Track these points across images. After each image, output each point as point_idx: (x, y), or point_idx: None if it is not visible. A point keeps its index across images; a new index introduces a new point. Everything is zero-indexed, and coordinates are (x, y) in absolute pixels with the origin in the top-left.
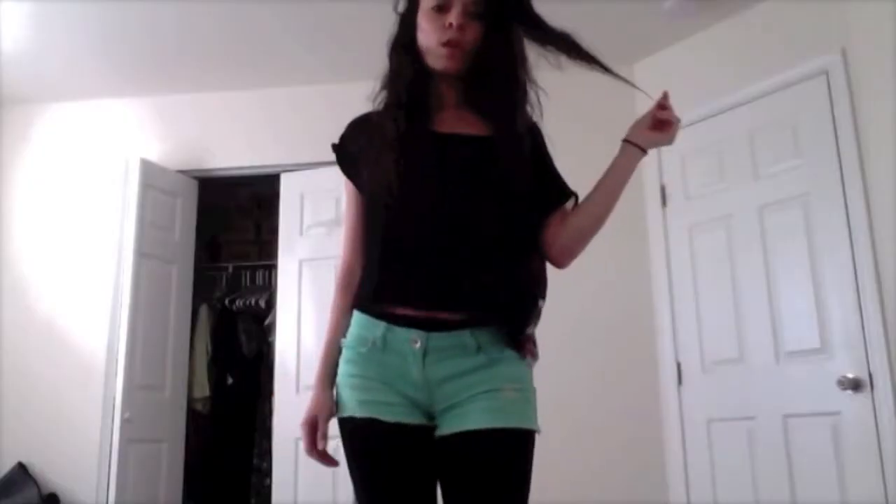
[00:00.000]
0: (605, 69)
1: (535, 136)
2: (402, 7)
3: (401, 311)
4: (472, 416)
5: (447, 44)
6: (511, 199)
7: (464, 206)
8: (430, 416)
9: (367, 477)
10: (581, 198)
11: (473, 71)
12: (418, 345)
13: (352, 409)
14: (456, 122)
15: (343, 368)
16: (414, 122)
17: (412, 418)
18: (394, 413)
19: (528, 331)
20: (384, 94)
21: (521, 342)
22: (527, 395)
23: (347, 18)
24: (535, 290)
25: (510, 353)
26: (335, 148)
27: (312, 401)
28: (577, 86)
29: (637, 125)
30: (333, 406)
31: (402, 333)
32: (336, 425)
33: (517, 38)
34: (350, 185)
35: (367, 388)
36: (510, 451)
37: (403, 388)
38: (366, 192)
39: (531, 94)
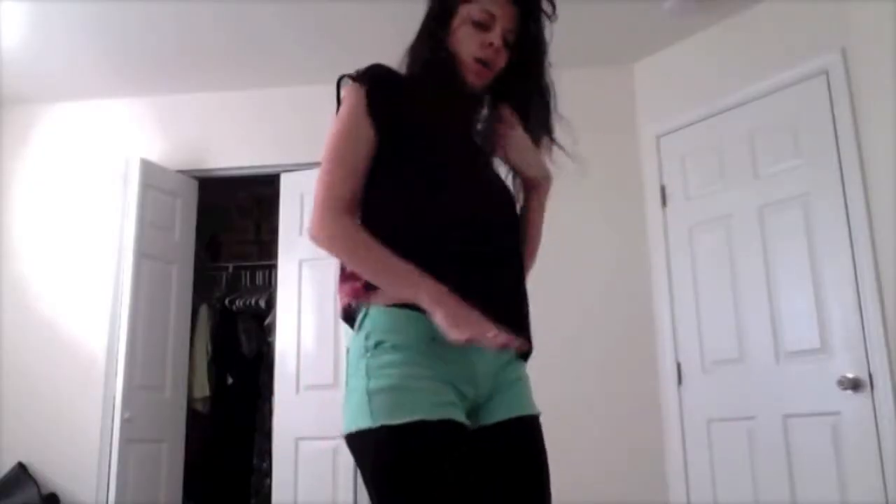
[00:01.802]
0: (552, 140)
1: None
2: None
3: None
4: (515, 403)
5: (481, 61)
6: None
7: (508, 209)
8: (468, 413)
9: (445, 483)
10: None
11: (500, 90)
12: None
13: (423, 411)
14: None
15: (400, 371)
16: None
17: (464, 418)
18: (458, 413)
19: None
20: (429, 73)
21: None
22: (530, 383)
23: (347, 19)
24: None
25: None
26: (371, 81)
27: (433, 287)
28: (577, 84)
29: None
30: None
31: None
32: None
33: (546, 74)
34: (368, 127)
35: (436, 389)
36: (541, 434)
37: (460, 385)
38: (425, 164)
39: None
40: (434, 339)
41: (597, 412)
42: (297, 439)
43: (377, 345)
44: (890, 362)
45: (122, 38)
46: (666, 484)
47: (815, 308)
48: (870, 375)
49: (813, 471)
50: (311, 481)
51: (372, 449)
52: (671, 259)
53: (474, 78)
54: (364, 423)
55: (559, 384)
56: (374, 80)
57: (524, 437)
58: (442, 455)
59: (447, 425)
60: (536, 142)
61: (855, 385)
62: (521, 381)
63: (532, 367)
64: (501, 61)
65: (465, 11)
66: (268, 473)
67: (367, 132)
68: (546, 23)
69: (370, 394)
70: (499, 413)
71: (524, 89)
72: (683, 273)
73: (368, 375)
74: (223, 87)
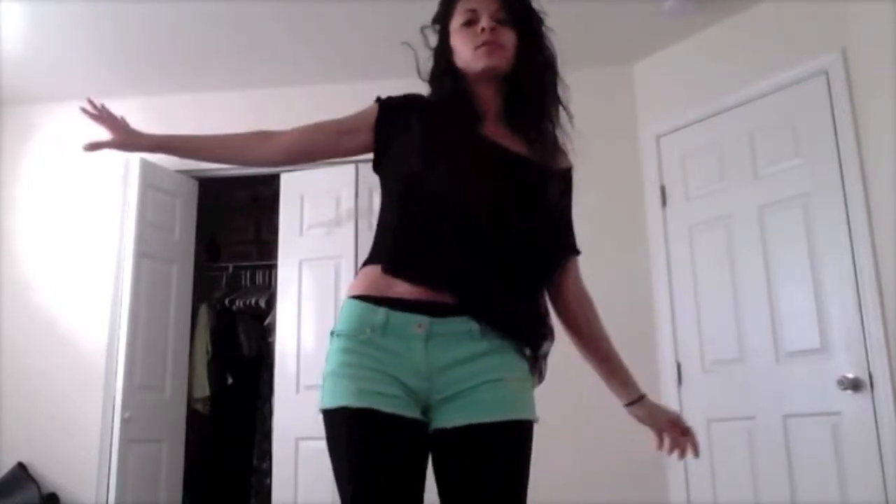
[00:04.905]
0: (564, 107)
1: (567, 180)
2: (433, 42)
3: (404, 294)
4: (479, 407)
5: (483, 45)
6: (542, 224)
7: (505, 215)
8: (425, 409)
9: (358, 469)
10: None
11: (512, 77)
12: (422, 329)
13: (346, 398)
14: (497, 134)
15: (339, 358)
16: (467, 122)
17: (408, 411)
18: (392, 405)
19: (543, 350)
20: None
21: (535, 360)
22: (527, 384)
23: (343, 20)
24: (546, 320)
25: (510, 341)
26: (387, 101)
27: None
28: (578, 85)
29: (660, 414)
30: (136, 142)
31: (404, 318)
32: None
33: (548, 44)
34: (368, 129)
35: (365, 377)
36: (517, 443)
37: (404, 378)
38: (403, 169)
39: (560, 95)
40: (374, 329)
41: (596, 412)
42: (297, 439)
43: (332, 333)
44: (890, 362)
45: (122, 38)
46: (666, 484)
47: (815, 308)
48: (870, 375)
49: (813, 471)
50: (311, 481)
51: (324, 427)
52: (671, 259)
53: (489, 59)
54: (319, 404)
55: (558, 384)
56: (387, 102)
57: (476, 445)
58: (358, 439)
59: (368, 414)
60: (547, 112)
61: (855, 385)
62: (503, 381)
63: None
64: (505, 36)
65: (454, 25)
66: (268, 473)
67: (361, 126)
68: None
69: (324, 378)
70: (449, 418)
71: (533, 59)
72: (683, 273)
73: (327, 361)
74: (222, 87)
